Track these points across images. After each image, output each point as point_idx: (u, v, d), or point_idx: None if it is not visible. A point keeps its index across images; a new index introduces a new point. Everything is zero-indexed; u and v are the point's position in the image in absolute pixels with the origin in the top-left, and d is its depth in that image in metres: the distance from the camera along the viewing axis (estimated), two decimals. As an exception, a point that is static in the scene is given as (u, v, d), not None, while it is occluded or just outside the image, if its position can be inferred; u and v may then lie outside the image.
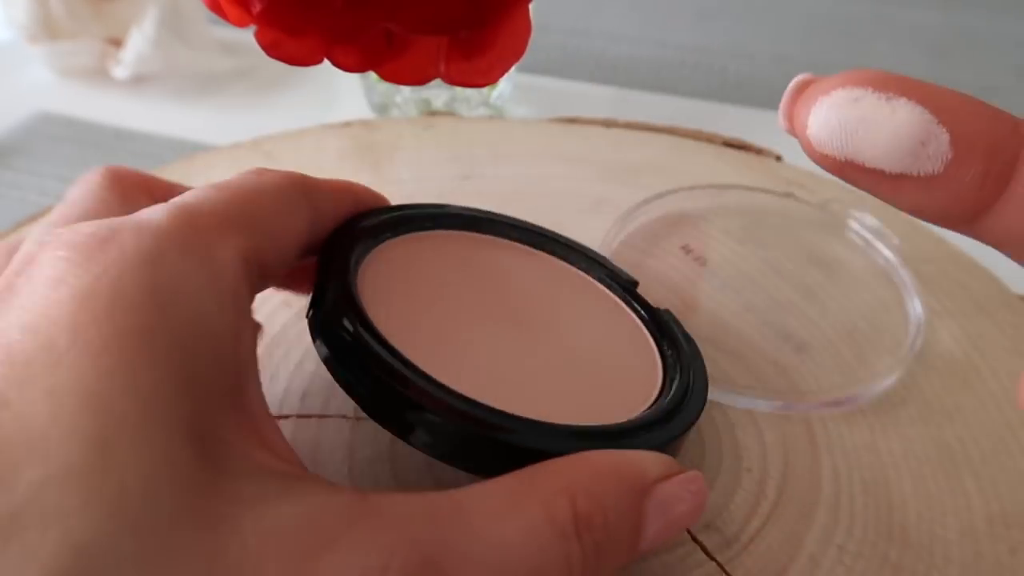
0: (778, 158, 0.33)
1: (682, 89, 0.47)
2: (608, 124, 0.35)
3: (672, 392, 0.19)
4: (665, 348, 0.21)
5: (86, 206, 0.18)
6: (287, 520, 0.12)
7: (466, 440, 0.16)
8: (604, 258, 0.24)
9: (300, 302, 0.25)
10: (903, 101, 0.12)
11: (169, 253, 0.14)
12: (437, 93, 0.42)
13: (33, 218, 0.32)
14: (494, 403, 0.17)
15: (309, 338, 0.18)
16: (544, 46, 0.50)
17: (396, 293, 0.20)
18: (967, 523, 0.20)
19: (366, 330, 0.17)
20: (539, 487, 0.15)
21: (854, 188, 0.14)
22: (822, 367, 0.24)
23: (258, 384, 0.16)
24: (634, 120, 0.35)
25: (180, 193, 0.19)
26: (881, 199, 0.13)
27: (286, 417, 0.22)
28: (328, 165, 0.33)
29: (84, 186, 0.18)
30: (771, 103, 0.13)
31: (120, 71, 0.47)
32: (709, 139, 0.34)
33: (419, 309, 0.20)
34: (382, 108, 0.43)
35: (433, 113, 0.39)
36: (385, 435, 0.20)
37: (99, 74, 0.48)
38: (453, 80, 0.21)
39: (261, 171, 0.18)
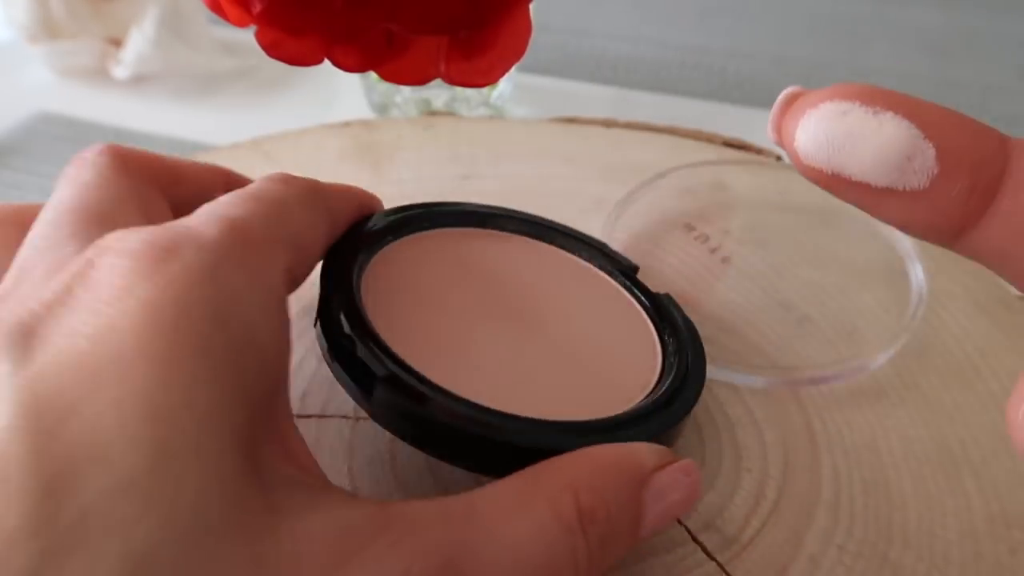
0: (778, 158, 0.33)
1: (682, 89, 0.47)
2: (608, 124, 0.35)
3: (670, 379, 0.20)
4: (664, 334, 0.22)
5: (100, 194, 0.18)
6: (317, 530, 0.13)
7: (463, 440, 0.17)
8: (605, 245, 0.25)
9: (299, 302, 0.25)
10: (890, 115, 0.12)
11: (227, 269, 0.14)
12: (437, 93, 0.42)
13: (33, 218, 0.32)
14: (494, 402, 0.17)
15: (308, 338, 0.18)
16: (544, 46, 0.50)
17: (397, 298, 0.20)
18: (967, 523, 0.20)
19: (369, 339, 0.18)
20: (544, 485, 0.15)
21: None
22: (824, 338, 0.24)
23: (288, 394, 0.16)
24: (634, 120, 0.35)
25: (179, 169, 0.20)
26: (868, 212, 0.13)
27: (286, 417, 0.22)
28: (328, 165, 0.33)
29: (91, 169, 0.18)
30: (771, 103, 0.13)
31: (120, 71, 0.47)
32: (709, 139, 0.34)
33: (420, 312, 0.20)
34: (382, 108, 0.43)
35: (433, 113, 0.39)
36: (385, 435, 0.21)
37: (99, 74, 0.48)
38: (453, 80, 0.21)
39: (287, 180, 0.19)
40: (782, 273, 0.27)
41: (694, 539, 0.19)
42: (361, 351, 0.18)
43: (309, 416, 0.22)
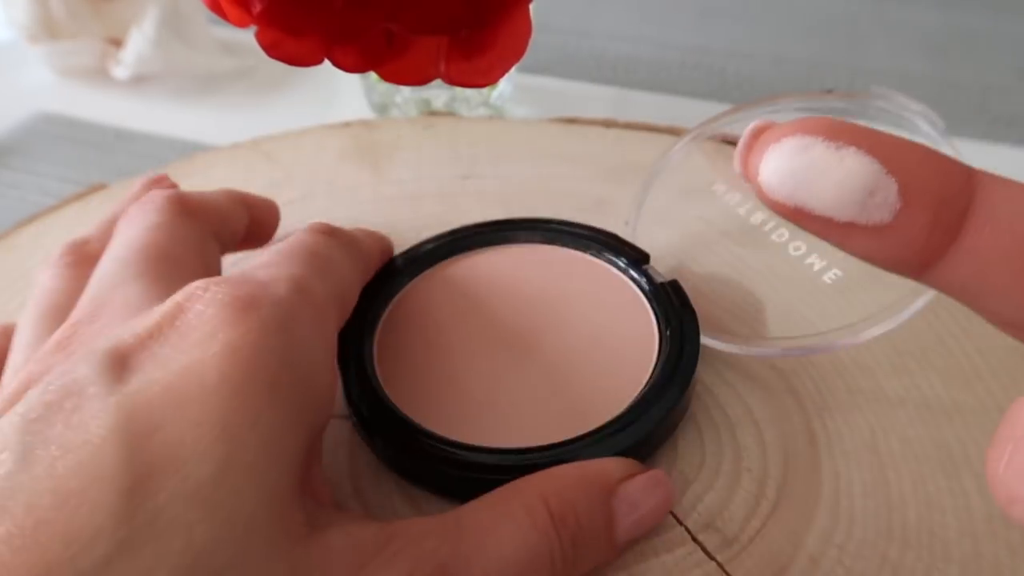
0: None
1: (682, 89, 0.47)
2: (608, 124, 0.35)
3: (656, 379, 0.21)
4: (663, 325, 0.22)
5: (164, 236, 0.20)
6: (337, 544, 0.15)
7: (438, 473, 0.20)
8: (616, 237, 0.25)
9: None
10: (852, 150, 0.12)
11: (296, 324, 0.17)
12: (437, 93, 0.42)
13: (33, 218, 0.32)
14: (484, 436, 0.20)
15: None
16: (544, 46, 0.50)
17: (406, 343, 0.23)
18: (967, 523, 0.20)
19: (376, 399, 0.21)
20: (521, 496, 0.18)
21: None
22: (855, 292, 0.23)
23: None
24: (634, 120, 0.35)
25: (222, 211, 0.23)
26: (832, 245, 0.13)
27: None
28: (328, 165, 0.33)
29: (157, 213, 0.21)
30: (771, 103, 0.13)
31: (120, 71, 0.47)
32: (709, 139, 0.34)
33: (425, 357, 0.23)
34: (382, 108, 0.43)
35: (433, 113, 0.39)
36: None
37: (99, 74, 0.48)
38: (453, 80, 0.21)
39: (333, 234, 0.21)
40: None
41: (694, 539, 0.19)
42: (366, 411, 0.21)
43: (309, 416, 0.22)
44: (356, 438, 0.22)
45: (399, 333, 0.23)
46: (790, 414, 0.22)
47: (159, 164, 0.33)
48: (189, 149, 0.41)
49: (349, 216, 0.30)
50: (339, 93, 0.47)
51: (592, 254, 0.25)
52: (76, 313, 0.18)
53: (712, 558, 0.19)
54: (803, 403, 0.23)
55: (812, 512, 0.20)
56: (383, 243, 0.25)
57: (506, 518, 0.17)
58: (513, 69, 0.25)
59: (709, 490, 0.20)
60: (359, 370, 0.22)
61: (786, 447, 0.22)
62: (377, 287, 0.24)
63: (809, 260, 0.24)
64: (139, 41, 0.46)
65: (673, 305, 0.23)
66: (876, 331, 0.21)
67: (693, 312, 0.22)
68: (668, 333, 0.22)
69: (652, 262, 0.24)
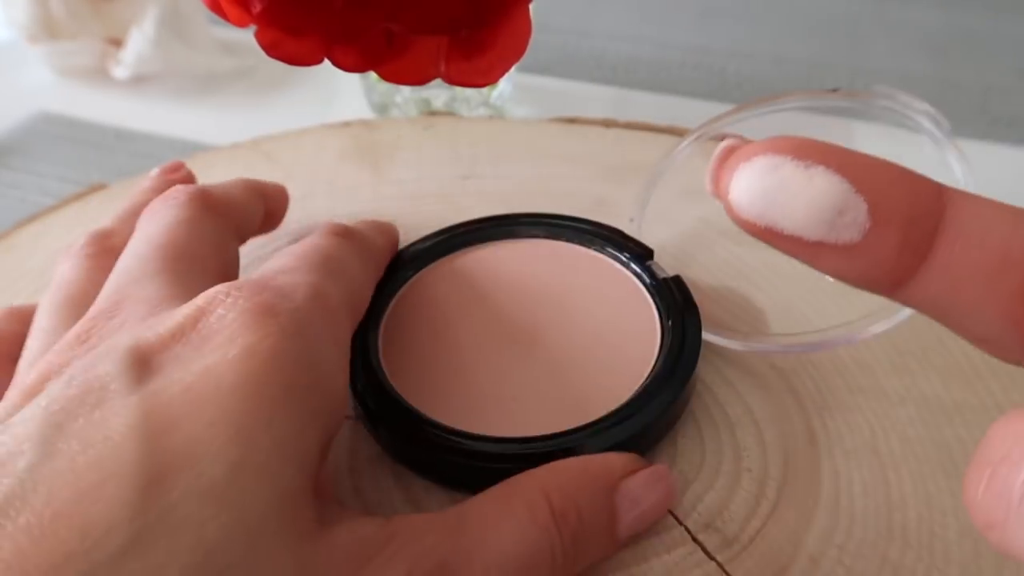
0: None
1: (682, 89, 0.47)
2: (608, 124, 0.35)
3: (657, 373, 0.21)
4: (665, 320, 0.23)
5: (185, 233, 0.20)
6: (342, 540, 0.16)
7: (444, 463, 0.20)
8: (620, 232, 0.25)
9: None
10: (821, 169, 0.12)
11: (312, 329, 0.17)
12: (437, 93, 0.42)
13: (33, 218, 0.32)
14: (489, 426, 0.20)
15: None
16: (544, 46, 0.50)
17: (413, 336, 0.23)
18: (967, 523, 0.20)
19: (382, 390, 0.21)
20: (522, 491, 0.18)
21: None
22: (855, 291, 0.23)
23: None
24: (634, 120, 0.35)
25: (243, 209, 0.23)
26: (805, 264, 0.13)
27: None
28: (328, 165, 0.33)
29: (178, 209, 0.21)
30: (771, 103, 0.14)
31: (120, 71, 0.47)
32: (709, 139, 0.34)
33: (431, 350, 0.23)
34: (382, 108, 0.43)
35: (433, 113, 0.39)
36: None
37: (99, 74, 0.48)
38: (453, 80, 0.21)
39: (346, 235, 0.22)
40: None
41: (694, 539, 0.19)
42: (374, 405, 0.21)
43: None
44: (355, 435, 0.22)
45: (404, 325, 0.23)
46: (790, 414, 0.22)
47: (159, 164, 0.33)
48: (189, 149, 0.41)
49: (349, 216, 0.30)
50: (339, 93, 0.47)
51: (596, 249, 0.25)
52: (96, 307, 0.18)
53: (712, 558, 0.19)
54: (803, 403, 0.23)
55: (812, 512, 0.20)
56: (392, 237, 0.26)
57: (507, 514, 0.17)
58: (513, 69, 0.25)
59: (709, 490, 0.20)
60: (364, 361, 0.22)
61: (786, 447, 0.22)
62: (383, 280, 0.24)
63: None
64: (139, 41, 0.46)
65: (675, 300, 0.23)
66: (876, 330, 0.21)
67: (695, 307, 0.23)
68: (670, 327, 0.22)
69: (654, 259, 0.24)
